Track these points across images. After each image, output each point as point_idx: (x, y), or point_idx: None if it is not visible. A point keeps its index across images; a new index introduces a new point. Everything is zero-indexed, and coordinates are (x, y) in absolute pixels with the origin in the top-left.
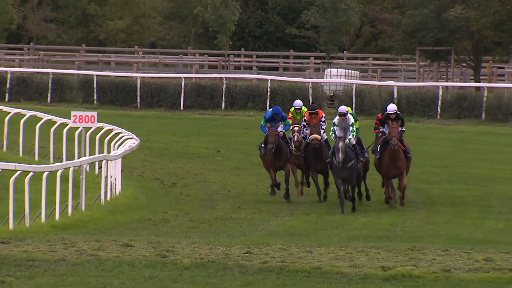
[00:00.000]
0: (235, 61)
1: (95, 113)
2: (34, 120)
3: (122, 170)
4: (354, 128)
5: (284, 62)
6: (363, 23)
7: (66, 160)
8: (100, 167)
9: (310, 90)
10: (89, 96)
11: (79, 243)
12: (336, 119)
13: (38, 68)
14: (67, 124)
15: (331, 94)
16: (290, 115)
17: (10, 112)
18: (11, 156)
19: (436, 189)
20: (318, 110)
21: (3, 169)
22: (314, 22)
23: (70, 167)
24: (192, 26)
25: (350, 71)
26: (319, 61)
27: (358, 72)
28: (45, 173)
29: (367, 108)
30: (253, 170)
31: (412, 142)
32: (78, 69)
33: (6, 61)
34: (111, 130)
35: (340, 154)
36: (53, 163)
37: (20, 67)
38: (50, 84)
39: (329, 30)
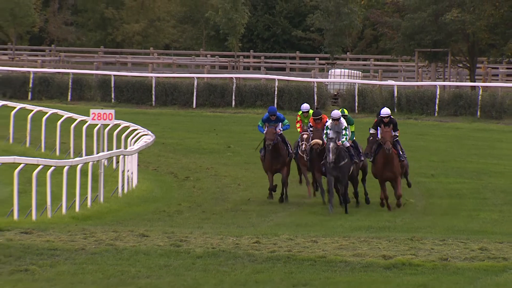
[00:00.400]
0: (244, 62)
1: (112, 111)
2: (55, 117)
3: (138, 165)
4: (347, 132)
5: (290, 63)
6: (365, 26)
7: (86, 155)
8: (117, 162)
9: (315, 89)
10: (107, 94)
11: (98, 233)
12: (329, 123)
13: (59, 68)
14: (86, 121)
15: (335, 93)
16: (298, 118)
17: (32, 110)
18: (34, 151)
19: (434, 182)
20: (323, 115)
21: (26, 164)
22: (319, 25)
23: (89, 162)
24: (204, 29)
25: (353, 71)
26: (323, 62)
27: (360, 72)
28: (66, 168)
29: (369, 106)
30: (262, 164)
31: (411, 138)
32: (97, 69)
33: (29, 62)
34: (127, 127)
35: (331, 154)
36: (73, 158)
37: (42, 67)
38: (70, 83)
39: (333, 33)
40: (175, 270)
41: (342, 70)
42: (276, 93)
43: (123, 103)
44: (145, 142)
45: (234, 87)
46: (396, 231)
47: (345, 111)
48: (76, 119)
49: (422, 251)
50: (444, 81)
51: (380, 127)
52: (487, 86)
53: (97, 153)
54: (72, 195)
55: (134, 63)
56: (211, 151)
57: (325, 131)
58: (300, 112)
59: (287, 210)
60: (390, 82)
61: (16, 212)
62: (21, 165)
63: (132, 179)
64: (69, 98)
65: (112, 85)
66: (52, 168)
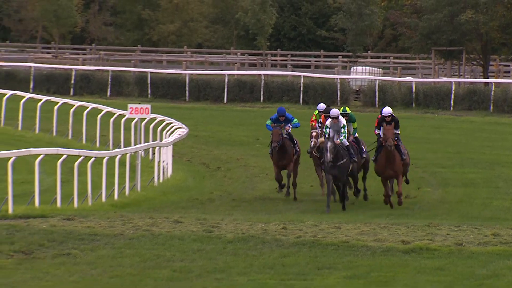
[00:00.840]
0: (272, 60)
1: (149, 106)
2: (95, 111)
3: (172, 156)
4: (346, 130)
5: (315, 61)
6: (385, 26)
7: (124, 147)
8: (153, 153)
9: (339, 86)
10: (144, 90)
11: (135, 220)
12: (328, 122)
13: (99, 66)
14: (125, 115)
15: (357, 89)
16: (313, 117)
17: (74, 105)
18: (75, 143)
19: (449, 172)
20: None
21: (69, 155)
22: (342, 25)
23: (127, 153)
24: (234, 29)
25: (373, 68)
26: (346, 59)
27: (380, 69)
28: (105, 158)
29: (388, 101)
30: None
31: (428, 131)
32: (134, 67)
33: (71, 60)
34: (163, 121)
35: (329, 153)
36: (112, 150)
37: (83, 65)
38: (109, 80)
39: (355, 33)
40: (207, 254)
41: (364, 67)
42: (301, 89)
43: (158, 98)
44: (179, 134)
45: (262, 83)
46: (414, 218)
47: (347, 109)
48: (115, 113)
49: (438, 237)
50: (459, 77)
51: (382, 126)
52: (499, 82)
53: (135, 145)
54: (111, 184)
55: (169, 61)
56: (241, 143)
57: (324, 130)
58: (316, 112)
59: (312, 198)
60: (409, 78)
61: (59, 200)
62: (64, 156)
63: (167, 169)
64: (108, 93)
65: (149, 81)
66: (93, 159)
